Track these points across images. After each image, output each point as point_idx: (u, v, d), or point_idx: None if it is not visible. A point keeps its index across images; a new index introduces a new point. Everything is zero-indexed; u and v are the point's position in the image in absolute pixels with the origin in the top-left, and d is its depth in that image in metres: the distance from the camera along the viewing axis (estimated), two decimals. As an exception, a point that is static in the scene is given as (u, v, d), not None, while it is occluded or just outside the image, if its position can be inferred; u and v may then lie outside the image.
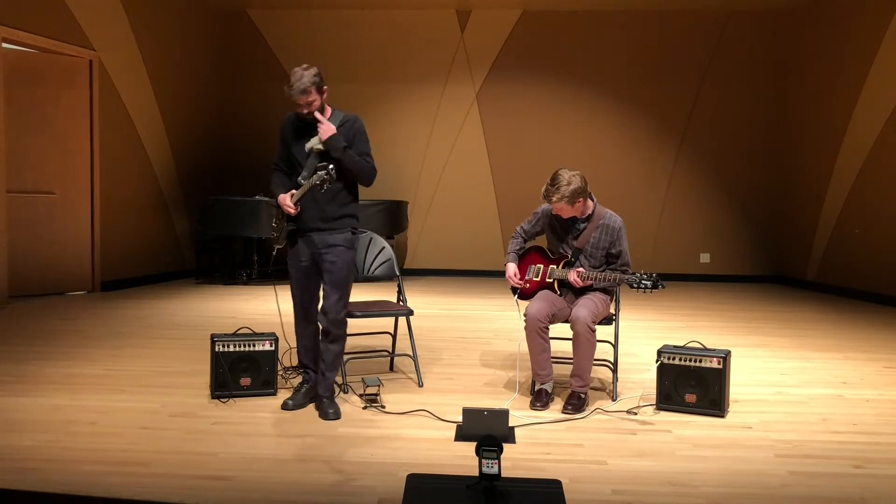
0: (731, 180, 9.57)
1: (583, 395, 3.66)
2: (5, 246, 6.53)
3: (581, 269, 3.71)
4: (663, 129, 9.58)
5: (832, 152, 8.41)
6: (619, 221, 3.82)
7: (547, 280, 3.80)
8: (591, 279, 3.69)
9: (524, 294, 3.88)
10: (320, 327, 3.65)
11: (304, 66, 3.54)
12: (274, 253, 4.03)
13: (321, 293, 3.68)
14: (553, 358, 3.80)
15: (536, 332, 3.68)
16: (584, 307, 3.66)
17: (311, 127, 3.58)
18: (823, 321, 6.48)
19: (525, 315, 3.70)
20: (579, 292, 3.79)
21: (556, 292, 3.80)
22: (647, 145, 9.60)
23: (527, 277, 3.89)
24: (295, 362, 4.02)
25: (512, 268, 3.89)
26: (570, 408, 3.59)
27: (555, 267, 3.80)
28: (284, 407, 3.58)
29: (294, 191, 3.56)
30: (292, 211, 3.54)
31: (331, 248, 3.59)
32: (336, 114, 3.63)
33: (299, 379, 3.86)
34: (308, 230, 3.60)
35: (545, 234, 3.94)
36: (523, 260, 3.95)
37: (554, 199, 3.66)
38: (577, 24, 9.53)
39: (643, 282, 3.52)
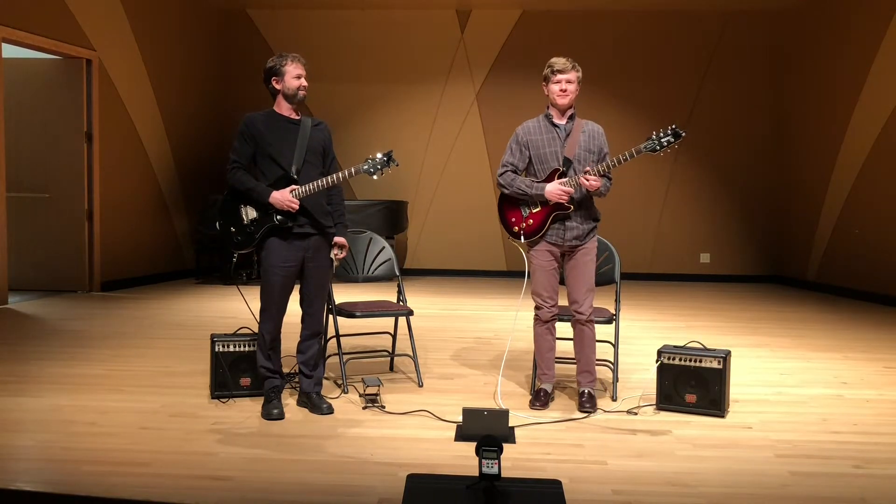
0: (731, 180, 9.57)
1: (594, 392, 3.68)
2: (5, 246, 6.53)
3: (587, 169, 3.56)
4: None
5: (832, 152, 8.41)
6: (599, 125, 3.77)
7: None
8: (603, 170, 3.57)
9: (528, 233, 3.70)
10: (303, 328, 3.64)
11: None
12: (235, 259, 3.87)
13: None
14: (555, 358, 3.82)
15: (546, 330, 3.73)
16: (587, 300, 3.67)
17: (290, 125, 3.55)
18: (823, 321, 6.48)
19: (536, 316, 3.74)
20: (574, 251, 3.67)
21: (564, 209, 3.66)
22: (647, 145, 9.58)
23: (524, 216, 3.71)
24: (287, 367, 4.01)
25: (555, 186, 3.59)
26: (588, 406, 3.59)
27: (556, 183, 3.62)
28: (273, 418, 3.43)
29: (296, 186, 3.46)
30: (295, 207, 3.43)
31: (325, 248, 3.60)
32: (304, 115, 3.64)
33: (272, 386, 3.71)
34: (305, 228, 3.53)
35: (529, 159, 3.73)
36: (512, 203, 3.75)
37: (569, 66, 3.62)
38: (577, 24, 9.53)
39: (662, 140, 3.43)
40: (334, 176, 3.50)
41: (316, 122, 3.66)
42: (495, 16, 9.61)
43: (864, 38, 7.82)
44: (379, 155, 3.48)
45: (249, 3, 9.68)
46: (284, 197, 3.44)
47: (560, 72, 3.65)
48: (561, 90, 3.66)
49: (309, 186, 3.46)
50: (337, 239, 3.65)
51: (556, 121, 3.72)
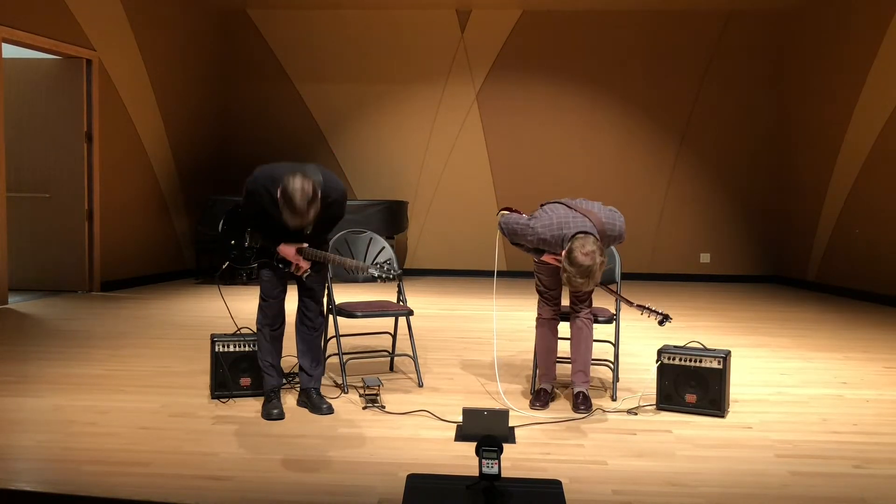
0: (731, 180, 9.57)
1: (588, 393, 3.67)
2: (5, 246, 6.53)
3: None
4: (663, 129, 9.57)
5: (832, 152, 8.41)
6: (619, 227, 3.52)
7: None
8: (601, 289, 3.63)
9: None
10: (301, 324, 3.65)
11: (301, 189, 3.14)
12: (224, 266, 3.82)
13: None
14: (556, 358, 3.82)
15: (549, 330, 3.74)
16: (586, 298, 3.69)
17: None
18: (823, 321, 6.48)
19: (539, 315, 3.76)
20: None
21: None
22: (647, 145, 9.59)
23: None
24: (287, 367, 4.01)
25: (551, 257, 3.61)
26: (583, 408, 3.58)
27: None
28: (273, 418, 3.43)
29: (306, 245, 3.41)
30: (300, 263, 3.41)
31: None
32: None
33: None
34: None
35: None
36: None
37: (585, 284, 3.31)
38: (577, 24, 9.53)
39: (650, 311, 3.42)
40: (342, 260, 3.45)
41: (327, 203, 3.34)
42: (495, 16, 9.61)
43: (864, 38, 7.82)
44: (388, 270, 3.38)
45: (249, 3, 9.68)
46: (292, 255, 3.43)
47: (576, 287, 3.36)
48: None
49: (317, 253, 3.43)
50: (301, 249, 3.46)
51: None
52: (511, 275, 9.28)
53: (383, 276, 3.39)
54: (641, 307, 3.46)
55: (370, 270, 3.40)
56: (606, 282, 4.05)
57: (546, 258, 3.68)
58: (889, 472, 2.90)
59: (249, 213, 3.51)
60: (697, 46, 9.48)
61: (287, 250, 3.44)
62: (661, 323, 3.43)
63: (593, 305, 3.79)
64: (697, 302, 7.66)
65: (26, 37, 6.61)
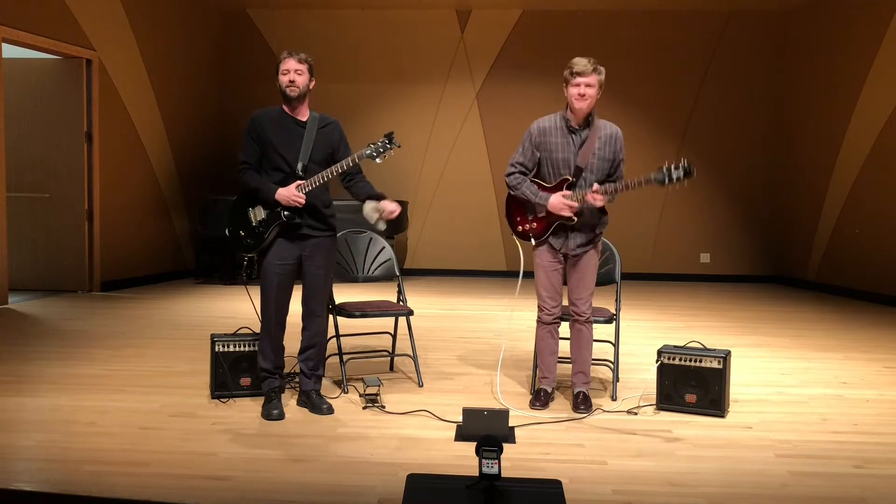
0: (731, 180, 9.57)
1: (588, 393, 3.67)
2: (5, 246, 6.53)
3: (595, 188, 3.50)
4: (663, 129, 9.57)
5: (832, 152, 8.41)
6: (619, 129, 3.69)
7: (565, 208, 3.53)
8: (611, 192, 3.51)
9: (531, 235, 3.68)
10: (305, 328, 3.65)
11: None
12: (245, 262, 3.84)
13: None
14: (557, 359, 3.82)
15: (549, 333, 3.73)
16: (587, 301, 3.67)
17: (296, 126, 3.54)
18: (823, 321, 6.48)
19: (539, 318, 3.74)
20: (578, 255, 3.63)
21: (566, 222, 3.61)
22: (647, 145, 9.57)
23: (528, 219, 3.68)
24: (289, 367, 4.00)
25: (559, 200, 3.52)
26: (583, 408, 3.58)
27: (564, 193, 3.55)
28: (273, 418, 3.42)
29: (301, 182, 3.45)
30: (301, 202, 3.42)
31: (322, 250, 3.59)
32: (313, 114, 3.61)
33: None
34: (303, 229, 3.53)
35: (539, 159, 3.68)
36: (519, 203, 3.72)
37: (589, 69, 3.59)
38: (577, 24, 9.53)
39: (673, 175, 3.41)
40: (338, 165, 3.47)
41: (325, 123, 3.62)
42: (495, 16, 9.61)
43: (864, 38, 7.82)
44: (381, 140, 3.46)
45: (249, 3, 9.68)
46: (290, 192, 3.43)
47: (579, 74, 3.56)
48: (579, 94, 3.57)
49: (314, 179, 3.45)
50: (383, 203, 3.61)
51: (573, 125, 3.64)
52: (511, 275, 9.28)
53: (377, 152, 3.43)
54: (660, 171, 3.42)
55: (365, 153, 3.44)
56: (606, 282, 4.06)
57: (553, 204, 3.51)
58: (889, 472, 2.90)
59: (250, 155, 3.57)
60: (697, 46, 9.47)
61: (285, 190, 3.44)
62: (686, 175, 3.39)
63: (592, 306, 3.78)
64: (697, 302, 7.66)
65: (26, 37, 6.61)
